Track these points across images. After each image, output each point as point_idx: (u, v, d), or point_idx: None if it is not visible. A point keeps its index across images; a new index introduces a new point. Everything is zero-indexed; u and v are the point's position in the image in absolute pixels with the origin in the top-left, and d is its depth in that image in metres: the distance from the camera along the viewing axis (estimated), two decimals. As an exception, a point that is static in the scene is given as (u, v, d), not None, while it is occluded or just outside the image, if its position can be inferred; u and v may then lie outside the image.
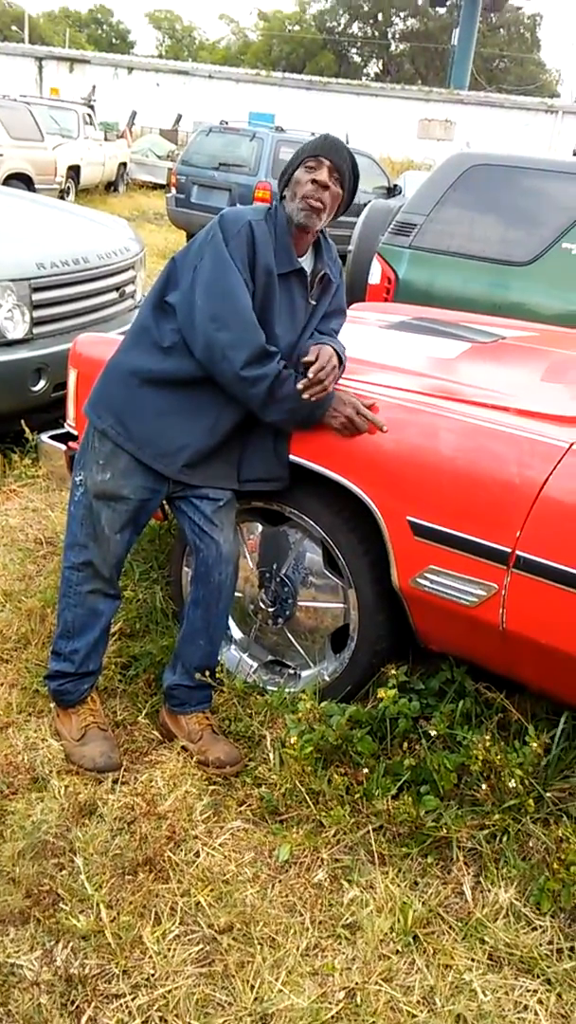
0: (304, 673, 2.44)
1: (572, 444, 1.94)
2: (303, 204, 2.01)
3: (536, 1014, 1.65)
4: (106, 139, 16.33)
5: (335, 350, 2.05)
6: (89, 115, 15.68)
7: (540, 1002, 1.67)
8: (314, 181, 2.00)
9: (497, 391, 2.31)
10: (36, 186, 10.67)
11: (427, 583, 2.05)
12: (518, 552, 1.91)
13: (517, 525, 1.91)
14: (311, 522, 2.26)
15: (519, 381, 2.61)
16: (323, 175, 2.01)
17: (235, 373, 1.96)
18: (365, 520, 2.14)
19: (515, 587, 1.93)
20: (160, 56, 47.26)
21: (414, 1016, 1.63)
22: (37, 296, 3.71)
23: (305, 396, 1.98)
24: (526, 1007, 1.66)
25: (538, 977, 1.72)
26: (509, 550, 1.92)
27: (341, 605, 2.31)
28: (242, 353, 1.95)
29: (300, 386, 1.97)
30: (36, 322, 3.71)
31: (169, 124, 23.98)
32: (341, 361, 2.08)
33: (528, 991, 1.70)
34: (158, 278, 2.10)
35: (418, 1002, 1.66)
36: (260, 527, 2.42)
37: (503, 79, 45.15)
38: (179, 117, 24.09)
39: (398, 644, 2.35)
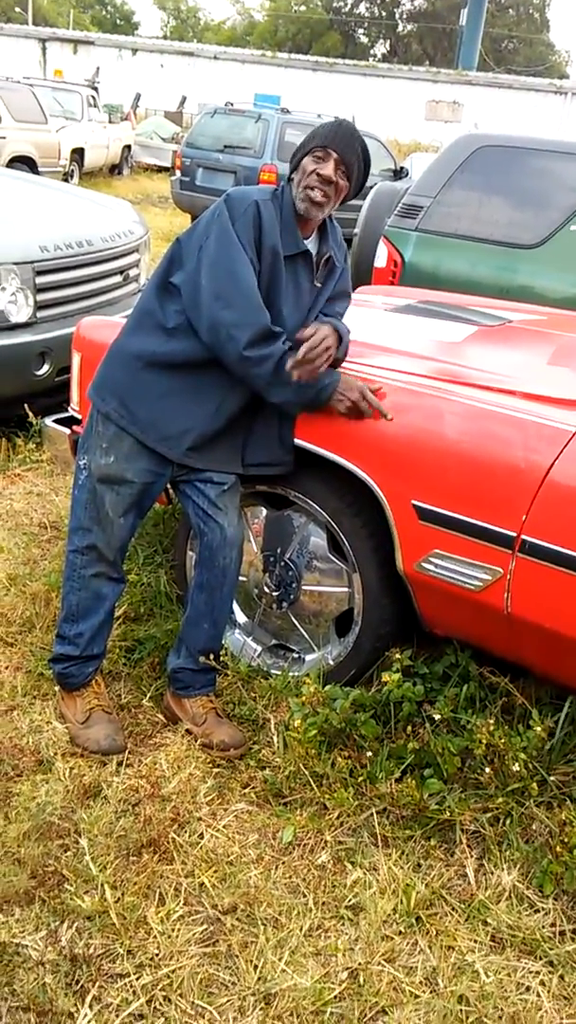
0: (308, 657, 2.45)
1: (578, 428, 1.93)
2: (304, 195, 1.99)
3: (538, 995, 1.66)
4: (110, 121, 16.25)
5: (336, 331, 2.03)
6: (93, 97, 15.58)
7: (542, 983, 1.68)
8: (318, 175, 1.97)
9: (503, 375, 2.29)
10: (40, 169, 10.62)
11: (432, 567, 2.05)
12: (523, 536, 1.90)
13: (523, 509, 1.90)
14: (315, 506, 2.25)
15: (526, 365, 2.60)
16: (328, 169, 1.97)
17: (239, 353, 1.95)
18: (370, 504, 2.14)
19: (520, 571, 1.93)
20: (165, 37, 46.87)
21: (417, 996, 1.64)
22: (41, 279, 3.69)
23: (295, 376, 1.96)
24: (528, 988, 1.67)
25: (540, 959, 1.73)
26: (514, 534, 1.91)
27: (345, 589, 2.31)
28: (246, 333, 1.94)
29: (289, 364, 1.95)
30: (40, 306, 3.70)
31: (174, 106, 23.83)
32: (341, 342, 2.06)
33: (530, 972, 1.70)
34: (162, 259, 2.09)
35: (421, 983, 1.67)
36: (264, 511, 2.41)
37: (512, 60, 44.70)
38: (184, 99, 23.93)
39: (402, 628, 2.35)
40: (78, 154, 13.92)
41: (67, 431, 2.72)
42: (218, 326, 1.95)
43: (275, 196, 2.03)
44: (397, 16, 50.25)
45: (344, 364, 2.16)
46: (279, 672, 2.39)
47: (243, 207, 1.96)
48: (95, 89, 16.85)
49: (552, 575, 1.89)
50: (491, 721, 2.03)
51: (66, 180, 12.23)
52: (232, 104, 11.40)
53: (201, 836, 1.95)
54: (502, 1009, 1.62)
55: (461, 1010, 1.61)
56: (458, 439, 2.01)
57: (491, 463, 1.96)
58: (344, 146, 1.99)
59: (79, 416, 2.71)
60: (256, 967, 1.67)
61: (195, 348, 2.02)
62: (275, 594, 2.43)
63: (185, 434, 2.08)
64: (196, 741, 2.20)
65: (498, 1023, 1.60)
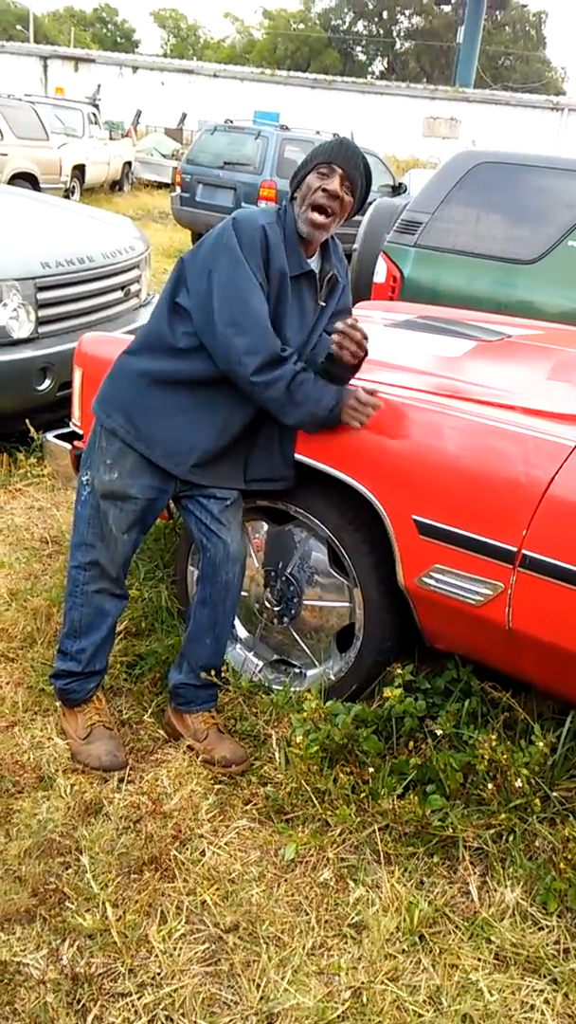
0: (310, 672, 2.44)
1: (578, 443, 1.94)
2: (309, 218, 2.00)
3: (543, 1014, 1.64)
4: (111, 138, 16.34)
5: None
6: (94, 114, 15.69)
7: (547, 1002, 1.67)
8: (324, 190, 1.99)
9: (503, 390, 2.30)
10: (41, 185, 10.68)
11: (433, 582, 2.05)
12: (524, 551, 1.90)
13: (523, 524, 1.90)
14: (317, 521, 2.26)
15: (525, 379, 2.61)
16: (334, 184, 1.99)
17: (247, 379, 1.96)
18: (370, 519, 2.14)
19: (521, 586, 1.93)
20: (165, 55, 47.24)
21: (420, 1016, 1.63)
22: (42, 295, 3.71)
23: (333, 346, 1.96)
24: (532, 1007, 1.66)
25: (544, 977, 1.72)
26: (515, 549, 1.91)
27: (346, 604, 2.31)
28: (255, 359, 1.94)
29: (335, 336, 1.95)
30: (41, 321, 3.72)
31: (174, 123, 24.00)
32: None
33: (535, 991, 1.69)
34: (168, 280, 2.09)
35: (424, 1002, 1.66)
36: (266, 526, 2.42)
37: (508, 77, 45.07)
38: (184, 116, 24.09)
39: (404, 643, 2.35)
40: (79, 171, 14.01)
41: (68, 446, 2.73)
42: (231, 352, 1.96)
43: (279, 217, 2.04)
44: (395, 34, 50.72)
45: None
46: (280, 687, 2.39)
47: (251, 231, 1.97)
48: (96, 106, 16.99)
49: (553, 590, 1.89)
50: (493, 736, 2.02)
51: (67, 196, 12.31)
52: (232, 121, 11.48)
53: (203, 853, 1.94)
54: (506, 1028, 1.61)
55: (465, 1029, 1.60)
56: (458, 454, 2.01)
57: (491, 478, 1.96)
58: (348, 162, 2.00)
59: (80, 431, 2.71)
60: (258, 986, 1.66)
61: (203, 367, 2.03)
62: (276, 609, 2.43)
63: (191, 451, 2.08)
64: (198, 757, 2.19)
65: (502, 1042, 1.59)
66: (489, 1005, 1.65)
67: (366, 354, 2.02)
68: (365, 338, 1.99)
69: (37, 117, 11.51)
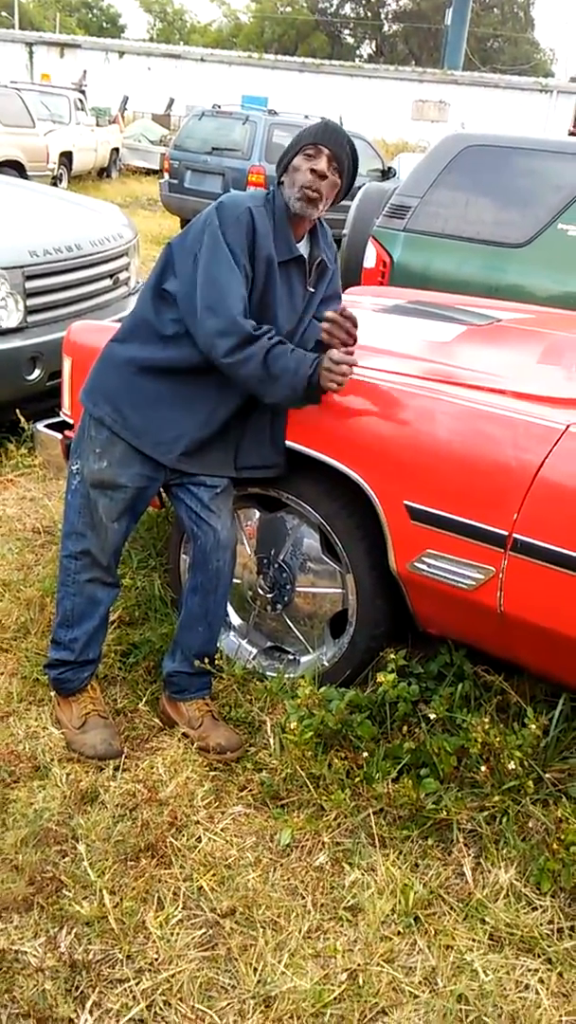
0: (303, 659, 2.45)
1: (569, 426, 1.94)
2: (301, 193, 1.99)
3: (537, 993, 1.66)
4: (98, 125, 16.21)
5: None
6: (80, 100, 15.56)
7: (541, 981, 1.69)
8: (313, 171, 1.98)
9: (493, 374, 2.30)
10: (28, 173, 10.60)
11: (425, 567, 2.05)
12: (515, 535, 1.91)
13: (514, 508, 1.91)
14: (308, 508, 2.26)
15: (515, 363, 2.61)
16: (322, 164, 1.98)
17: (219, 360, 1.96)
18: (362, 505, 2.14)
19: (512, 570, 1.93)
20: (151, 40, 46.78)
21: (416, 996, 1.64)
22: (30, 284, 3.69)
23: (323, 334, 1.98)
24: (527, 986, 1.68)
25: (539, 956, 1.74)
26: (506, 533, 1.92)
27: (339, 590, 2.32)
28: (226, 341, 1.93)
29: (325, 324, 1.97)
30: (30, 310, 3.70)
31: (161, 109, 23.81)
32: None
33: (529, 970, 1.71)
34: (155, 265, 2.09)
35: (420, 983, 1.67)
36: (257, 513, 2.42)
37: (497, 59, 44.80)
38: (171, 101, 23.91)
39: (397, 628, 2.36)
40: (66, 158, 13.90)
41: (59, 436, 2.72)
42: (206, 335, 1.95)
43: (267, 202, 2.03)
44: (383, 16, 50.32)
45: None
46: (274, 674, 2.40)
47: (235, 215, 1.96)
48: (82, 92, 16.83)
49: (544, 573, 1.90)
50: (486, 720, 2.03)
51: (55, 184, 12.22)
52: (219, 106, 11.40)
53: (199, 840, 1.95)
54: (501, 1007, 1.63)
55: (460, 1009, 1.62)
56: (449, 439, 2.01)
57: (482, 462, 1.96)
58: (334, 142, 2.00)
59: (71, 421, 2.70)
60: (255, 970, 1.67)
61: (190, 355, 2.02)
62: (269, 596, 2.43)
63: (179, 440, 2.08)
64: (192, 744, 2.20)
65: (497, 1021, 1.60)
66: (484, 985, 1.66)
67: (355, 341, 2.01)
68: (355, 326, 1.98)
69: (23, 104, 11.41)
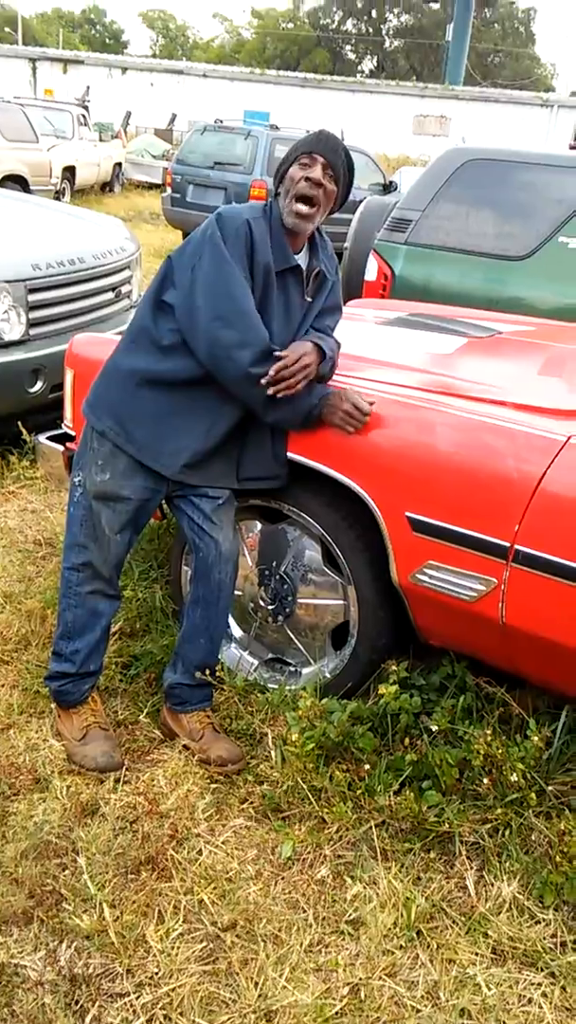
0: (305, 670, 2.44)
1: (570, 438, 1.94)
2: (292, 209, 2.00)
3: (540, 1007, 1.65)
4: (101, 139, 16.32)
5: (318, 347, 2.04)
6: (83, 116, 15.67)
7: (544, 995, 1.67)
8: (308, 179, 1.99)
9: (494, 386, 2.30)
10: (31, 187, 10.66)
11: (426, 579, 2.05)
12: (517, 546, 1.91)
13: (515, 519, 1.91)
14: (310, 519, 2.26)
15: (516, 375, 2.61)
16: (317, 172, 2.00)
17: (242, 372, 1.96)
18: (363, 516, 2.14)
19: (514, 581, 1.93)
20: (154, 56, 47.20)
21: (418, 1011, 1.63)
22: (33, 297, 3.70)
23: (269, 392, 1.98)
24: (530, 1000, 1.66)
25: (542, 970, 1.72)
26: (508, 544, 1.92)
27: (341, 602, 2.31)
28: (248, 352, 1.95)
29: (263, 381, 1.96)
30: (32, 323, 3.71)
31: (164, 124, 23.96)
32: (325, 358, 2.07)
33: (532, 984, 1.70)
34: (155, 277, 2.10)
35: (422, 997, 1.66)
36: (259, 525, 2.42)
37: (498, 74, 45.12)
38: (174, 116, 24.06)
39: (398, 640, 2.35)
40: (69, 172, 13.99)
41: (61, 448, 2.73)
42: (218, 347, 1.96)
43: (265, 212, 2.04)
44: (384, 32, 50.73)
45: (336, 377, 2.17)
46: (276, 686, 2.39)
47: (234, 225, 1.97)
48: (85, 108, 16.97)
49: (546, 584, 1.89)
50: (488, 732, 2.03)
51: (57, 198, 12.29)
52: (222, 121, 11.47)
53: (200, 852, 1.94)
54: (504, 1022, 1.62)
55: (463, 1024, 1.61)
56: (450, 450, 2.01)
57: (483, 474, 1.96)
58: (329, 151, 2.01)
59: (73, 433, 2.71)
60: (256, 984, 1.66)
61: (190, 366, 2.03)
62: (271, 608, 2.43)
63: (181, 452, 2.08)
64: (193, 757, 2.19)
65: (501, 1036, 1.59)
66: (487, 999, 1.65)
67: (315, 371, 2.04)
68: (306, 367, 2.00)
69: (26, 119, 11.50)
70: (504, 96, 30.45)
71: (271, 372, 1.95)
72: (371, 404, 2.07)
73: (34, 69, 31.27)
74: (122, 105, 24.22)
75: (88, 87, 24.40)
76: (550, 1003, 1.66)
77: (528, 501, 1.90)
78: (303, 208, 1.99)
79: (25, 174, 10.89)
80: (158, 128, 23.55)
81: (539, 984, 1.70)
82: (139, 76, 31.85)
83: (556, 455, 1.92)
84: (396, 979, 1.69)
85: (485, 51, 46.38)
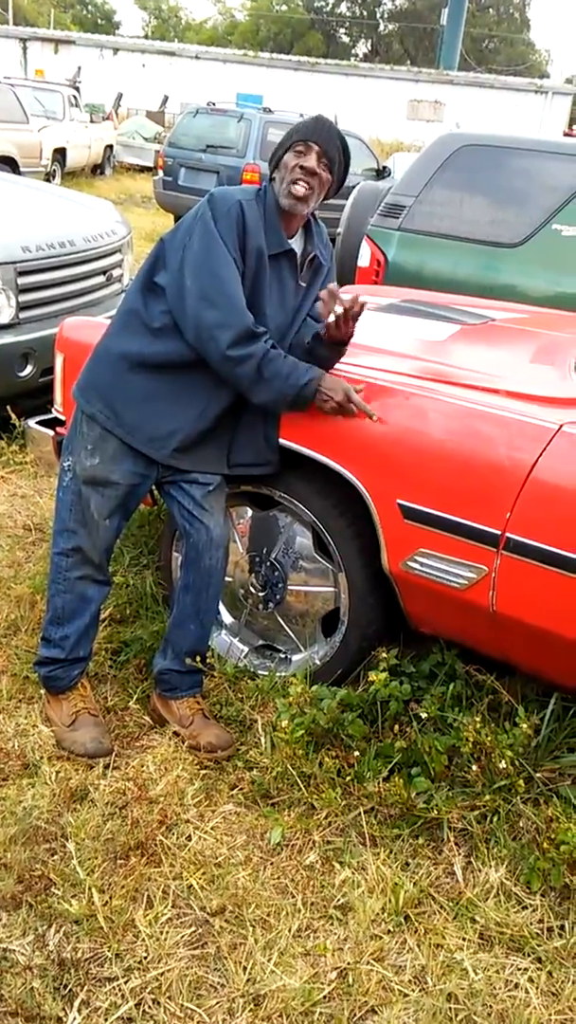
0: (295, 657, 2.44)
1: (561, 426, 1.94)
2: (289, 190, 1.99)
3: (527, 992, 1.66)
4: (92, 121, 16.15)
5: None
6: (74, 97, 15.50)
7: (531, 980, 1.69)
8: (302, 167, 1.98)
9: (487, 373, 2.30)
10: (22, 169, 10.55)
11: (417, 566, 2.05)
12: (508, 534, 1.91)
13: (507, 507, 1.91)
14: (301, 506, 2.25)
15: (509, 363, 2.61)
16: (311, 161, 1.98)
17: (221, 353, 1.95)
18: (355, 504, 2.14)
19: (505, 569, 1.93)
20: (146, 37, 46.71)
21: (406, 995, 1.64)
22: (23, 280, 3.67)
23: (320, 304, 1.97)
24: (517, 985, 1.68)
25: (529, 955, 1.74)
26: (499, 532, 1.92)
27: (331, 589, 2.31)
28: (228, 333, 1.94)
29: (325, 294, 1.95)
30: (22, 306, 3.68)
31: (156, 106, 23.74)
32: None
33: (519, 969, 1.71)
34: (146, 259, 2.08)
35: (409, 981, 1.67)
36: (250, 512, 2.41)
37: (492, 59, 44.88)
38: (166, 99, 23.85)
39: (389, 627, 2.35)
40: (60, 154, 13.85)
41: (51, 432, 2.71)
42: (201, 326, 1.95)
43: (258, 196, 2.03)
44: (378, 16, 50.35)
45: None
46: (266, 673, 2.39)
47: (226, 207, 1.96)
48: (76, 89, 16.76)
49: (536, 572, 1.90)
50: (477, 719, 2.03)
51: (48, 180, 12.17)
52: (214, 104, 11.37)
53: (189, 838, 1.94)
54: (491, 1006, 1.63)
55: (450, 1008, 1.62)
56: (442, 438, 2.01)
57: (475, 461, 1.96)
58: (324, 139, 2.00)
59: (63, 417, 2.69)
60: (245, 968, 1.66)
61: (181, 349, 2.01)
62: (261, 594, 2.43)
63: (171, 436, 2.07)
64: (183, 743, 2.20)
65: (487, 1020, 1.60)
66: (474, 984, 1.66)
67: (351, 332, 2.01)
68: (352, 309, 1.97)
69: (17, 99, 11.35)
70: (499, 82, 30.30)
71: (344, 303, 1.94)
72: (359, 390, 2.06)
73: (24, 49, 30.87)
74: (113, 86, 23.96)
75: (79, 68, 24.07)
76: (536, 988, 1.67)
77: (519, 489, 1.90)
78: (299, 189, 1.98)
79: (15, 155, 10.76)
80: (150, 110, 23.34)
81: (525, 969, 1.71)
82: (131, 57, 31.52)
83: (548, 443, 1.91)
84: (384, 964, 1.70)
85: (480, 36, 46.10)
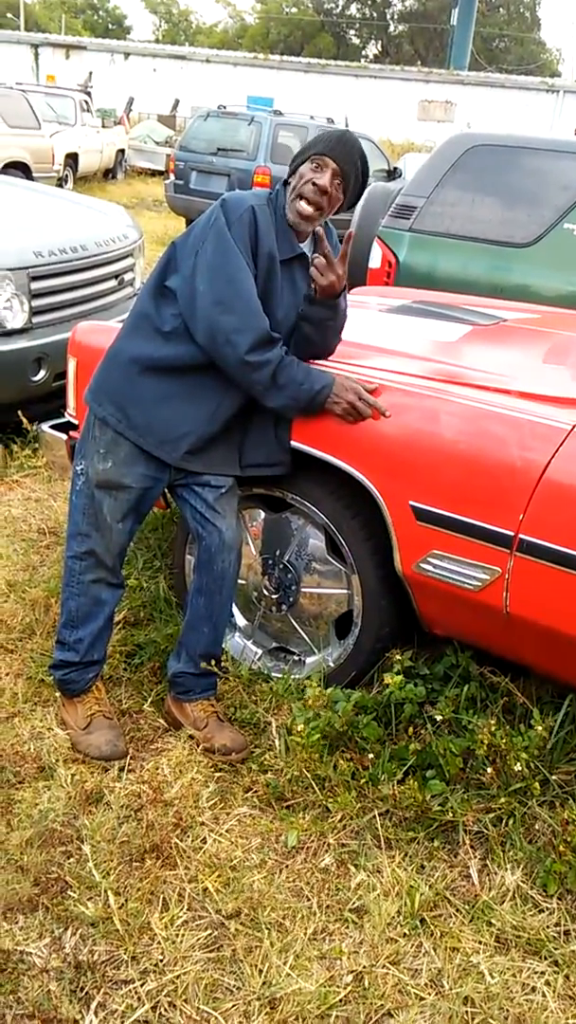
0: (309, 659, 2.44)
1: (574, 426, 1.93)
2: (297, 208, 1.99)
3: (544, 995, 1.65)
4: (103, 126, 16.22)
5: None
6: (86, 102, 15.58)
7: (548, 984, 1.68)
8: (315, 184, 1.98)
9: (499, 374, 2.29)
10: (34, 174, 10.61)
11: (430, 568, 2.05)
12: (521, 535, 1.90)
13: (520, 508, 1.90)
14: (313, 508, 2.25)
15: (521, 363, 2.60)
16: (325, 179, 1.98)
17: (239, 358, 1.95)
18: (367, 505, 2.14)
19: (518, 570, 1.92)
20: (157, 41, 46.84)
21: (422, 999, 1.64)
22: (35, 285, 3.69)
23: (313, 270, 1.98)
24: (534, 989, 1.67)
25: (545, 959, 1.73)
26: (512, 533, 1.91)
27: (344, 591, 2.31)
28: (247, 338, 1.94)
29: (318, 260, 1.97)
30: (35, 311, 3.70)
31: (167, 110, 23.82)
32: (344, 301, 2.09)
33: (535, 973, 1.70)
34: (158, 262, 2.09)
35: (426, 985, 1.67)
36: (262, 514, 2.41)
37: (503, 59, 44.75)
38: (177, 102, 23.92)
39: (402, 629, 2.35)
40: (72, 159, 13.92)
41: (64, 437, 2.72)
42: (217, 332, 1.95)
43: (270, 200, 2.03)
44: (388, 17, 50.30)
45: (340, 365, 2.16)
46: (280, 675, 2.39)
47: (239, 212, 1.96)
48: (88, 94, 16.84)
49: (550, 574, 1.89)
50: (492, 721, 2.03)
51: (60, 185, 12.24)
52: (225, 107, 11.40)
53: (204, 841, 1.95)
54: (507, 1010, 1.62)
55: (466, 1011, 1.61)
56: (454, 439, 2.00)
57: (488, 462, 1.95)
58: (344, 157, 1.99)
59: (76, 422, 2.70)
60: (261, 971, 1.66)
61: (192, 352, 2.02)
62: (274, 597, 2.43)
63: (183, 438, 2.08)
64: (198, 746, 2.20)
65: (504, 1024, 1.60)
66: (490, 988, 1.66)
67: (342, 284, 2.02)
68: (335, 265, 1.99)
69: (29, 106, 11.42)
70: (509, 81, 30.22)
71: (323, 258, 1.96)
72: (371, 390, 2.06)
73: (36, 55, 31.05)
74: (125, 91, 24.04)
75: (91, 73, 24.24)
76: (553, 991, 1.66)
77: (532, 490, 1.89)
78: (305, 208, 1.98)
79: (27, 161, 10.83)
80: (161, 114, 23.41)
81: (542, 972, 1.70)
82: (142, 61, 31.64)
83: (561, 444, 1.91)
84: (399, 967, 1.70)
85: (490, 36, 45.98)
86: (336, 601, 2.35)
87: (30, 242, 3.80)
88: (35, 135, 11.37)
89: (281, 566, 2.39)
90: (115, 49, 32.27)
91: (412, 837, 1.97)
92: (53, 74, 26.23)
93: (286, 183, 2.06)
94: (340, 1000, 1.62)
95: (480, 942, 1.76)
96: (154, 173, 18.05)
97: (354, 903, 1.82)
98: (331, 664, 2.37)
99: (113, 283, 4.29)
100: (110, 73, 29.72)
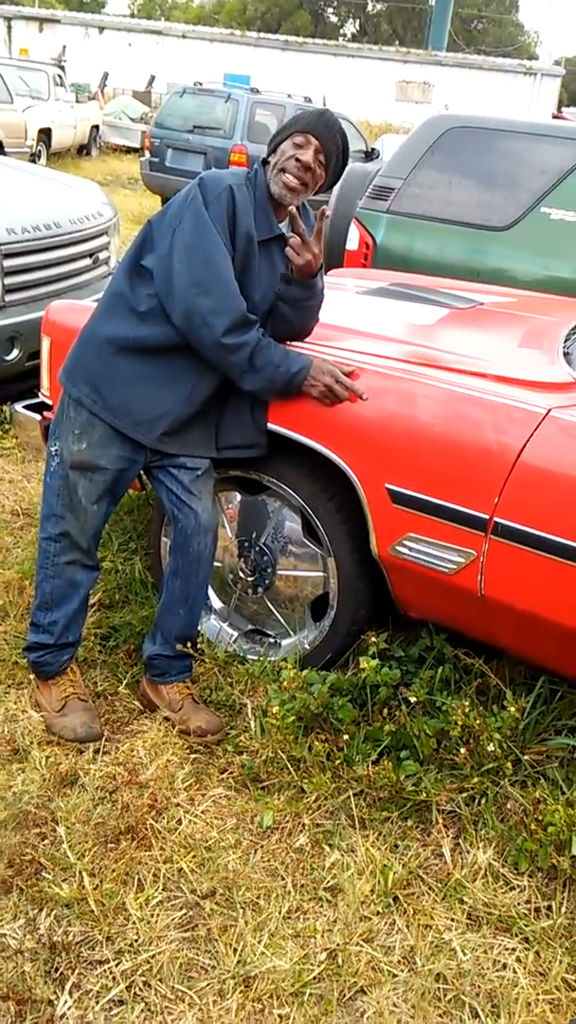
0: (284, 642, 2.45)
1: (550, 410, 1.94)
2: (282, 180, 1.98)
3: (515, 972, 1.68)
4: (77, 101, 15.97)
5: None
6: (60, 76, 15.31)
7: (519, 960, 1.70)
8: (298, 160, 1.97)
9: (475, 357, 2.30)
10: (6, 149, 10.43)
11: (406, 551, 2.05)
12: (496, 519, 1.91)
13: (495, 492, 1.91)
14: (289, 491, 2.25)
15: (497, 347, 2.60)
16: (308, 156, 1.97)
17: (215, 340, 1.94)
18: (343, 488, 2.14)
19: (493, 553, 1.94)
20: (132, 15, 46.12)
21: (395, 976, 1.66)
22: (8, 263, 3.64)
23: (289, 250, 1.99)
24: (505, 965, 1.70)
25: (516, 936, 1.76)
26: (487, 517, 1.92)
27: (320, 574, 2.31)
28: (223, 319, 1.93)
29: (293, 240, 1.98)
30: (8, 289, 3.65)
31: (142, 85, 23.48)
32: (321, 281, 2.11)
33: (507, 949, 1.73)
34: (133, 241, 2.06)
35: (399, 962, 1.69)
36: (239, 496, 2.41)
37: (481, 40, 44.59)
38: (152, 78, 23.58)
39: (378, 612, 2.36)
40: (45, 134, 13.68)
41: (38, 417, 2.69)
42: (194, 313, 1.93)
43: (248, 180, 2.01)
44: (367, -5, 49.85)
45: (317, 348, 2.16)
46: (256, 657, 2.40)
47: (217, 191, 1.94)
48: (62, 68, 16.54)
49: (525, 557, 1.90)
50: (466, 702, 2.05)
51: (33, 161, 12.03)
52: (201, 84, 11.26)
53: (179, 822, 1.95)
54: (479, 986, 1.65)
55: (439, 988, 1.64)
56: (431, 422, 2.01)
57: (463, 446, 1.96)
58: (325, 135, 1.98)
59: (50, 402, 2.67)
60: (235, 950, 1.68)
61: (168, 333, 2.00)
62: (250, 579, 2.43)
63: (159, 419, 2.06)
64: (173, 727, 2.20)
65: (475, 1000, 1.62)
66: (462, 964, 1.68)
67: (319, 263, 2.03)
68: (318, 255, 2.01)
69: (1, 79, 11.20)
70: (488, 63, 30.15)
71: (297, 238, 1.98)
72: (348, 374, 2.06)
73: (9, 28, 30.40)
74: (99, 66, 23.67)
75: (64, 47, 23.81)
76: (524, 968, 1.69)
77: (508, 473, 1.90)
78: (291, 180, 1.97)
79: (-1, 136, 10.65)
80: (136, 90, 23.07)
81: (513, 949, 1.73)
82: (117, 36, 31.16)
83: (536, 427, 1.92)
84: (373, 944, 1.71)
85: (468, 17, 45.77)
86: (312, 584, 2.35)
87: (3, 219, 3.73)
88: (7, 109, 11.17)
89: (257, 548, 2.39)
90: (89, 23, 31.75)
91: (386, 817, 1.99)
92: (26, 47, 25.71)
93: (265, 162, 2.04)
94: (314, 978, 1.64)
95: (452, 919, 1.78)
96: (129, 150, 17.80)
97: (328, 882, 1.84)
98: (307, 646, 2.37)
99: (87, 261, 4.23)
100: (84, 47, 29.25)
